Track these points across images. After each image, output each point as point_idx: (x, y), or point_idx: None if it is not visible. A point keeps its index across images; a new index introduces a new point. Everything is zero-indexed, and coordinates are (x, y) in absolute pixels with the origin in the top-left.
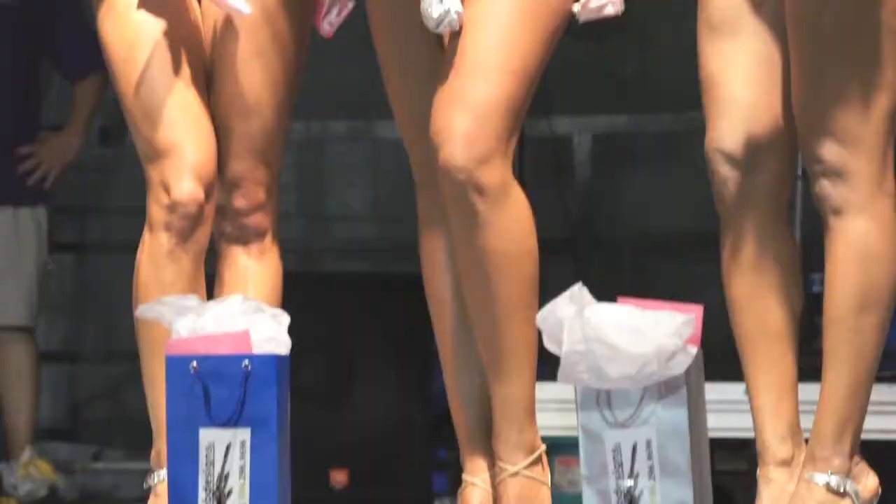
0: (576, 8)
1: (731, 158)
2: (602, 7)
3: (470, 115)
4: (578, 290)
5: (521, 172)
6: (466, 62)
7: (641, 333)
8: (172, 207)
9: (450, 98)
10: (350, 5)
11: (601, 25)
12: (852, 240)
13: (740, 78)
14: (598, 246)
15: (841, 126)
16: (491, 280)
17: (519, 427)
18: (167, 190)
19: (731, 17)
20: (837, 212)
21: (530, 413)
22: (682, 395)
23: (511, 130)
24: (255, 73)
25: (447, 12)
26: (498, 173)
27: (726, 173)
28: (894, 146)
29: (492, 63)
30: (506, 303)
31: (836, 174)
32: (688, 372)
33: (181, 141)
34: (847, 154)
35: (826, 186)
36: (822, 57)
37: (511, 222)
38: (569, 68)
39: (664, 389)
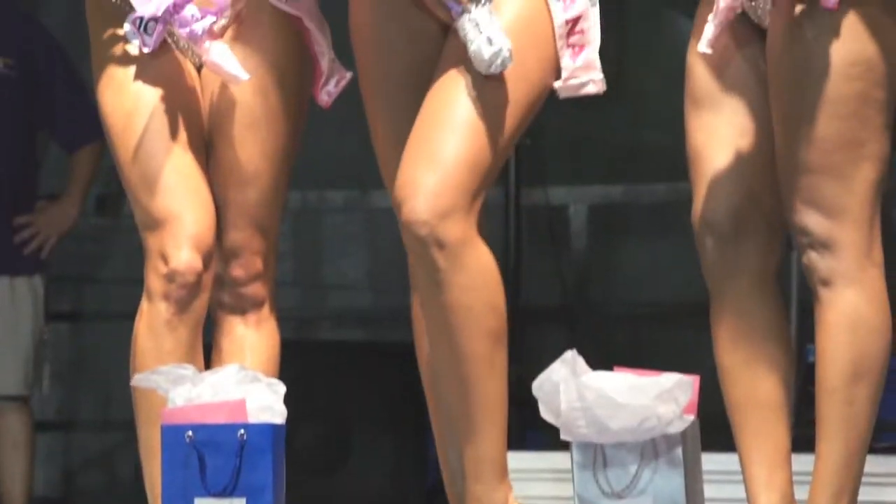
0: (557, 84)
1: (716, 230)
2: (582, 85)
3: (435, 170)
4: (572, 356)
5: (518, 241)
6: (438, 120)
7: (640, 390)
8: (171, 277)
9: (417, 154)
10: (348, 76)
11: (596, 96)
12: (843, 310)
13: (724, 150)
14: (594, 315)
15: (827, 197)
16: (455, 335)
17: (491, 487)
18: (165, 259)
19: (713, 91)
20: (826, 283)
21: (502, 471)
22: (679, 459)
23: (477, 188)
24: (253, 142)
25: (499, 52)
26: (459, 228)
27: (713, 244)
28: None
29: (462, 122)
30: (472, 359)
31: (824, 245)
32: (684, 438)
33: (180, 210)
34: (834, 225)
35: (814, 258)
36: (806, 129)
37: (473, 277)
38: (564, 138)
39: (662, 447)
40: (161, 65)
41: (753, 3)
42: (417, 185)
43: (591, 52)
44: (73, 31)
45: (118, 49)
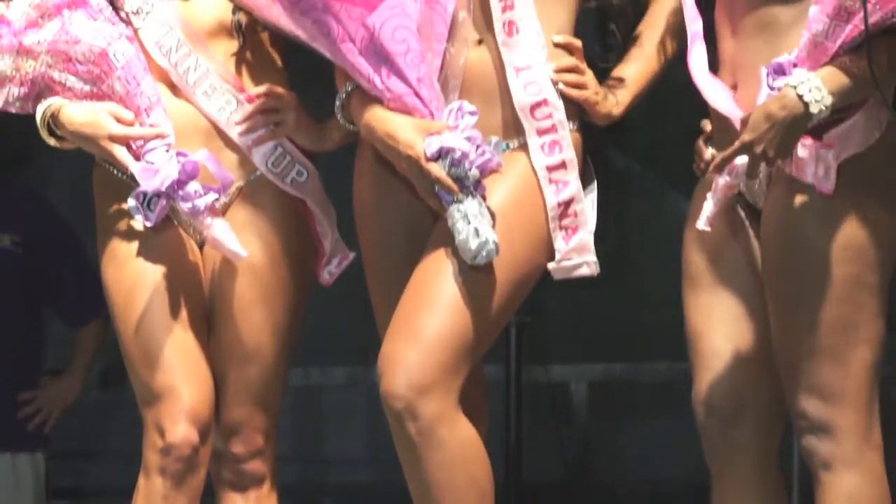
0: (551, 265)
1: (718, 411)
2: (576, 267)
3: (415, 346)
4: None
5: (518, 417)
6: (422, 298)
7: None
8: (167, 450)
9: (400, 330)
10: (351, 256)
11: (598, 275)
12: (844, 494)
13: (722, 332)
14: (595, 493)
15: (824, 382)
16: None
17: None
18: (162, 433)
19: (709, 274)
20: (827, 466)
21: None
22: None
23: (458, 365)
24: (255, 319)
25: (485, 243)
26: (436, 404)
27: (714, 426)
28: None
29: (446, 301)
30: None
31: (822, 430)
32: None
33: (178, 385)
34: (832, 409)
35: (813, 442)
36: (801, 312)
37: (450, 454)
38: (566, 316)
39: None
40: (164, 241)
41: (749, 185)
42: (397, 360)
43: (585, 235)
44: (78, 206)
45: (122, 224)
